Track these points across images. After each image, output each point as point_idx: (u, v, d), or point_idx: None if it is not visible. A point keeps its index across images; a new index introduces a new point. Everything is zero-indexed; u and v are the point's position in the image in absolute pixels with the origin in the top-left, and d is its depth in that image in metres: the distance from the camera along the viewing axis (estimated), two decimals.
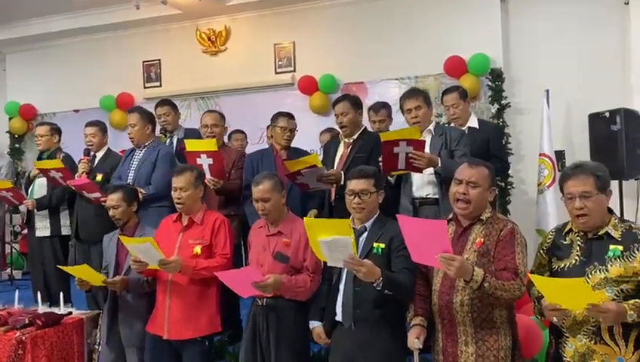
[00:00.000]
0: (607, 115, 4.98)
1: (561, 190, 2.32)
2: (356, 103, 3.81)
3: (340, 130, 3.89)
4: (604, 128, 5.01)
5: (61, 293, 3.76)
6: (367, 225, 2.76)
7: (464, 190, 2.46)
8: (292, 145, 4.10)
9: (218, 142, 4.09)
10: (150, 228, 3.50)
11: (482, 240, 2.41)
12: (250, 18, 6.93)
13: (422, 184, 3.52)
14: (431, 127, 3.57)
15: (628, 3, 5.48)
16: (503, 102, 5.84)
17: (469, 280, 2.24)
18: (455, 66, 5.92)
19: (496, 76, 5.85)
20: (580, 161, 2.35)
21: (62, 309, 3.69)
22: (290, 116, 4.00)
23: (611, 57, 5.65)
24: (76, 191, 4.32)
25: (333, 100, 3.95)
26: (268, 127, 5.40)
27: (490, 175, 2.51)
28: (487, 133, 4.36)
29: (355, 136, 3.79)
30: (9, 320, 3.44)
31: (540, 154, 5.35)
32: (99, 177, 4.38)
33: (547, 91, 5.40)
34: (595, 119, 5.13)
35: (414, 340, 2.44)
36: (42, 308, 3.73)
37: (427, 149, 3.39)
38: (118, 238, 3.47)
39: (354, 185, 2.74)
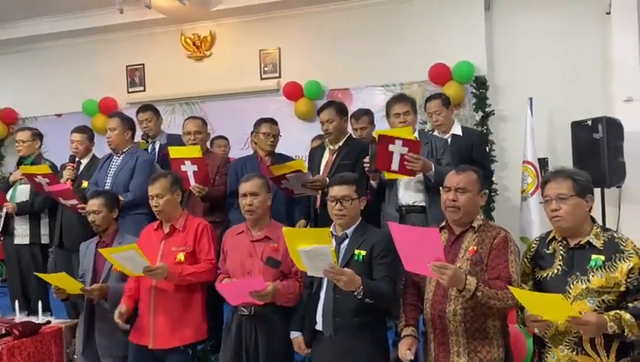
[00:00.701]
0: (590, 123, 5.02)
1: (542, 194, 2.33)
2: (341, 110, 3.81)
3: (325, 136, 3.88)
4: (587, 136, 5.05)
5: (39, 302, 3.68)
6: (349, 231, 2.74)
7: (453, 197, 2.45)
8: (278, 150, 4.08)
9: (202, 148, 4.05)
10: (129, 235, 3.45)
11: (475, 248, 2.40)
12: (236, 24, 6.90)
13: (408, 191, 3.49)
14: (415, 134, 3.54)
15: (609, 13, 5.55)
16: (487, 109, 5.88)
17: (461, 289, 2.22)
18: (440, 74, 5.95)
19: (481, 84, 5.90)
20: (562, 167, 2.35)
21: (40, 318, 3.62)
22: (272, 122, 3.98)
23: (593, 66, 5.73)
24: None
25: (319, 107, 3.94)
26: (251, 133, 5.40)
27: (478, 179, 2.50)
28: (471, 141, 4.38)
29: (340, 143, 3.79)
30: None
31: (524, 162, 5.39)
32: (85, 184, 4.29)
33: (530, 99, 5.45)
34: (578, 127, 5.17)
35: (406, 351, 2.42)
36: (20, 317, 3.65)
37: None
38: (96, 245, 3.43)
39: (335, 191, 2.73)
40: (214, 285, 3.06)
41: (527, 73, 5.86)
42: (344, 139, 3.81)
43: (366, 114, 4.36)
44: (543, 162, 5.64)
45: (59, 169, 4.57)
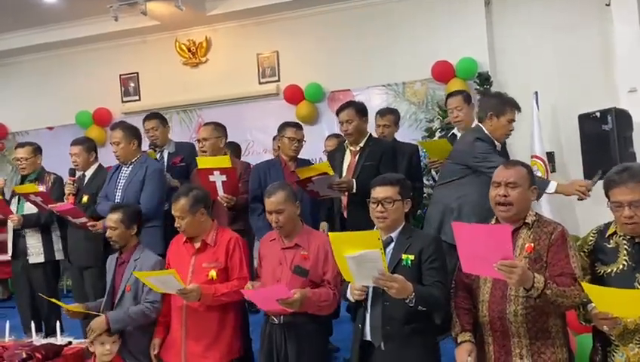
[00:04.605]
0: (598, 115, 5.03)
1: (607, 195, 2.22)
2: (361, 110, 3.73)
3: (345, 137, 3.81)
4: (595, 128, 5.05)
5: (57, 322, 3.52)
6: (394, 235, 2.59)
7: (504, 192, 2.35)
8: None
9: (212, 154, 3.86)
10: (148, 250, 3.34)
11: (532, 244, 2.30)
12: (232, 28, 6.79)
13: None
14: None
15: (609, 4, 5.57)
16: None
17: (529, 288, 2.13)
18: (443, 71, 5.91)
19: (484, 80, 5.85)
20: (625, 165, 2.25)
21: (59, 339, 3.46)
22: (297, 126, 3.89)
23: (595, 58, 5.73)
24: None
25: (338, 107, 3.86)
26: (274, 138, 5.27)
27: (528, 174, 2.41)
28: None
29: (361, 144, 3.72)
30: (4, 355, 3.17)
31: (532, 156, 5.37)
32: (85, 198, 4.12)
33: (536, 93, 5.44)
34: (586, 119, 5.17)
35: (467, 358, 2.31)
36: (37, 340, 3.48)
37: None
38: (116, 262, 3.33)
39: (377, 192, 2.59)
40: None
41: (529, 67, 5.84)
42: (364, 139, 3.74)
43: (392, 113, 4.28)
44: (550, 156, 5.63)
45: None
